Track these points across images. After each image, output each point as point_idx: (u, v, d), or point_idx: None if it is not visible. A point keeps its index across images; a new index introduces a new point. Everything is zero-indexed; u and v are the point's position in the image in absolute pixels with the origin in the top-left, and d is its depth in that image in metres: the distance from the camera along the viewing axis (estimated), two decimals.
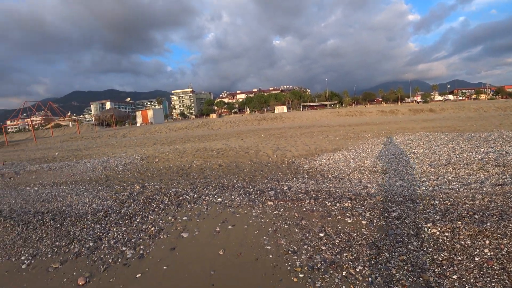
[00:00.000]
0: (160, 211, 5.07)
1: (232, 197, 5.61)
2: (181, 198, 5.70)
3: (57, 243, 4.21)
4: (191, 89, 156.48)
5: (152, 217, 4.84)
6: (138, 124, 55.53)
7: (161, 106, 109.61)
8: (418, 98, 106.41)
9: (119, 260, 3.67)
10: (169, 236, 4.19)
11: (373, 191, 5.33)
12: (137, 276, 3.34)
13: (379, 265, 3.04)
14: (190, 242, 4.01)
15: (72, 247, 4.06)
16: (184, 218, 4.75)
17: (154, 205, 5.36)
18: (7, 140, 44.69)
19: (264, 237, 3.92)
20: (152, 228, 4.42)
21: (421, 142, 9.66)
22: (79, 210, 5.35)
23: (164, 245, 3.96)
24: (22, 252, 4.06)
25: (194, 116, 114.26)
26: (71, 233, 4.46)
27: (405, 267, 2.95)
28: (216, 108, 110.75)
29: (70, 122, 75.85)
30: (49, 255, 3.93)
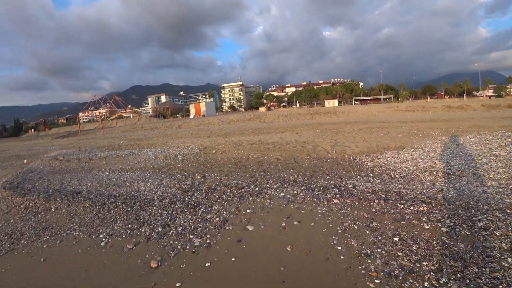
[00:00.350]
0: (223, 202, 5.16)
1: (295, 192, 5.48)
2: (242, 190, 5.73)
3: (129, 225, 4.54)
4: (240, 83, 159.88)
5: (215, 208, 4.94)
6: (191, 116, 58.74)
7: (212, 99, 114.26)
8: (490, 92, 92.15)
9: (188, 247, 3.80)
10: (234, 228, 4.21)
11: (450, 195, 4.74)
12: (206, 264, 3.41)
13: (467, 280, 2.66)
14: (256, 235, 3.98)
15: (143, 230, 4.34)
16: (248, 211, 4.75)
17: (217, 196, 5.48)
18: (80, 129, 51.09)
19: (333, 237, 3.72)
20: (217, 219, 4.50)
21: (503, 143, 8.31)
22: (147, 196, 5.73)
23: (230, 237, 3.99)
24: (100, 231, 4.48)
25: (243, 109, 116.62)
26: (141, 217, 4.77)
27: (500, 286, 2.51)
28: (265, 101, 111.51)
29: (131, 114, 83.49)
30: (123, 236, 4.25)
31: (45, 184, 7.25)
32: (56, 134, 59.27)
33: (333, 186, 5.66)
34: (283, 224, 4.20)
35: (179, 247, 3.83)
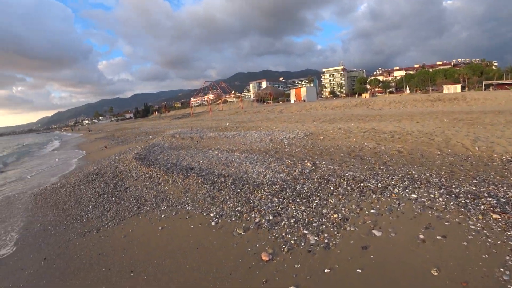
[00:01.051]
0: (340, 196, 4.50)
1: (431, 195, 4.32)
2: (361, 184, 4.93)
3: (239, 208, 4.44)
4: (342, 67, 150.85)
5: (331, 202, 4.34)
6: (292, 101, 59.07)
7: (312, 85, 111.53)
8: None
9: (302, 244, 3.37)
10: (357, 230, 3.53)
11: None
12: (325, 270, 2.89)
13: None
14: (386, 244, 3.21)
15: (252, 216, 4.15)
16: (372, 211, 3.96)
17: (332, 188, 4.86)
18: (192, 112, 58.58)
19: (501, 269, 2.61)
20: (335, 215, 3.90)
21: None
22: (255, 179, 5.62)
23: (353, 240, 3.34)
24: (211, 209, 4.54)
25: (344, 95, 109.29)
26: (251, 201, 4.62)
27: None
28: (368, 86, 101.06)
29: (235, 99, 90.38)
30: (233, 218, 4.16)
31: (164, 158, 8.20)
32: (173, 115, 70.07)
33: (486, 195, 4.21)
34: (421, 236, 3.27)
35: (292, 241, 3.44)
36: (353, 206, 4.14)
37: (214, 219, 4.25)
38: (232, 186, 5.29)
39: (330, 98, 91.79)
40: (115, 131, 33.91)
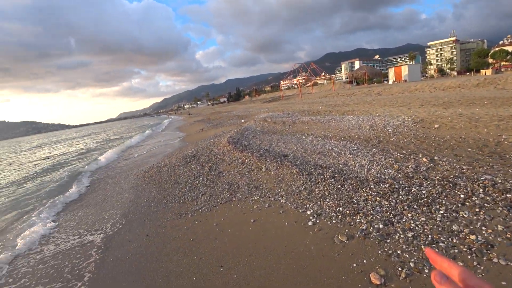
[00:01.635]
0: (477, 209, 3.39)
1: None
2: (508, 196, 3.63)
3: (340, 208, 3.83)
4: (453, 38, 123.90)
5: (465, 216, 3.29)
6: (390, 82, 52.80)
7: (414, 62, 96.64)
8: None
9: (426, 270, 2.57)
10: (510, 265, 2.51)
11: None
12: None
13: None
14: None
15: (357, 220, 3.49)
16: None
17: (462, 196, 3.73)
18: (282, 95, 58.74)
19: None
20: (472, 237, 2.90)
21: None
22: (358, 174, 4.85)
23: (505, 281, 2.36)
24: (307, 206, 4.05)
25: (455, 73, 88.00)
26: (354, 201, 3.94)
27: None
28: (491, 60, 78.41)
29: (325, 81, 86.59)
30: (333, 221, 3.59)
31: (257, 143, 8.07)
32: (264, 99, 71.73)
33: None
34: None
35: (412, 264, 2.68)
36: (500, 228, 3.02)
37: (311, 218, 3.75)
38: (332, 180, 4.67)
39: (437, 77, 77.48)
40: (210, 115, 36.70)
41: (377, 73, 48.89)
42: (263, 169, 5.62)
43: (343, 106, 17.25)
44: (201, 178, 6.19)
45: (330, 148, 6.68)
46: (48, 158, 18.82)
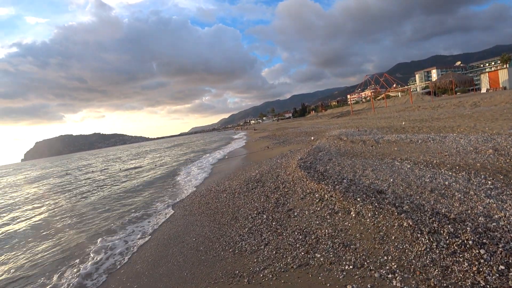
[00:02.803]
0: None
1: None
2: None
3: None
4: None
5: None
6: (483, 90, 44.79)
7: (507, 66, 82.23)
8: None
9: None
10: None
11: None
12: None
13: None
14: None
15: None
16: None
17: None
18: (352, 109, 55.08)
19: None
20: None
21: None
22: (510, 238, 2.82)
23: None
24: None
25: None
26: None
27: None
28: None
29: (399, 93, 79.15)
30: None
31: (336, 169, 6.35)
32: (331, 114, 68.36)
33: None
34: None
35: None
36: None
37: None
38: (481, 250, 2.75)
39: None
40: (276, 130, 35.67)
41: (468, 81, 41.89)
42: (353, 213, 3.91)
43: (434, 121, 14.23)
44: (265, 216, 4.75)
45: (446, 183, 4.62)
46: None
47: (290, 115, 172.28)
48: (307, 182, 5.52)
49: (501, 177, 4.83)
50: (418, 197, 4.17)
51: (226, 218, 5.20)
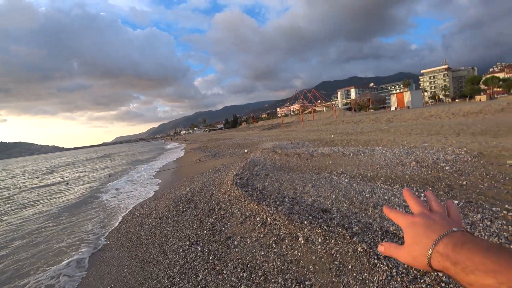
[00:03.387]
0: None
1: None
2: None
3: None
4: (445, 66, 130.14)
5: None
6: (392, 108, 51.96)
7: (408, 89, 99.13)
8: None
9: None
10: None
11: None
12: None
13: None
14: None
15: None
16: None
17: None
18: (282, 122, 57.49)
19: None
20: None
21: None
22: None
23: None
24: None
25: (450, 99, 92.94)
26: None
27: None
28: (484, 87, 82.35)
29: (324, 108, 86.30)
30: None
31: (275, 185, 5.94)
32: (262, 126, 70.37)
33: None
34: None
35: None
36: None
37: None
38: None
39: (432, 103, 79.38)
40: (208, 142, 34.70)
41: (381, 100, 48.02)
42: (301, 239, 3.46)
43: (359, 135, 15.38)
44: (199, 248, 3.96)
45: (386, 197, 4.59)
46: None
47: (222, 126, 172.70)
48: (246, 202, 4.95)
49: (430, 188, 5.05)
50: (363, 215, 3.97)
51: (151, 253, 4.23)
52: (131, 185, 11.59)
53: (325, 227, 3.56)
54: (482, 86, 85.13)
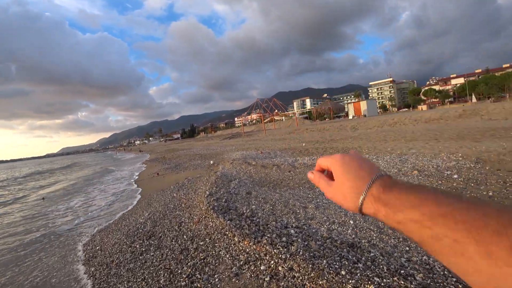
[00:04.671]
0: None
1: None
2: None
3: None
4: (390, 79, 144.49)
5: None
6: (350, 116, 53.95)
7: (358, 99, 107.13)
8: None
9: None
10: None
11: None
12: None
13: None
14: None
15: None
16: None
17: None
18: (243, 131, 56.43)
19: None
20: None
21: None
22: None
23: None
24: None
25: (396, 109, 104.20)
26: None
27: None
28: (424, 97, 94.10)
29: (283, 117, 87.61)
30: None
31: (266, 208, 4.58)
32: (222, 135, 68.53)
33: None
34: None
35: None
36: None
37: None
38: None
39: (380, 113, 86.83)
40: (165, 152, 32.15)
41: (340, 108, 49.62)
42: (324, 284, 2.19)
43: (332, 143, 14.71)
44: None
45: None
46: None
47: (179, 136, 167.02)
48: (236, 238, 3.50)
49: None
50: (407, 248, 2.83)
51: None
52: (70, 213, 9.37)
53: (376, 279, 2.31)
54: (423, 97, 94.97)
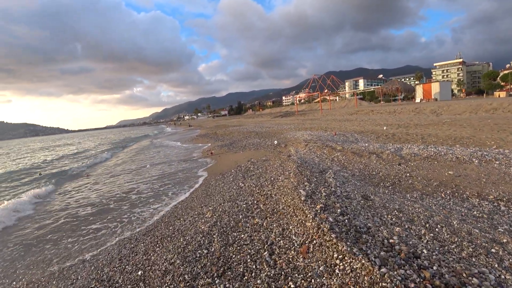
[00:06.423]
0: None
1: None
2: None
3: None
4: (460, 60, 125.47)
5: None
6: (417, 100, 48.09)
7: (418, 82, 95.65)
8: None
9: None
10: None
11: None
12: None
13: None
14: None
15: None
16: None
17: None
18: (297, 110, 53.93)
19: None
20: None
21: None
22: None
23: None
24: None
25: (463, 95, 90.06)
26: None
27: None
28: (502, 83, 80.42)
29: (337, 97, 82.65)
30: None
31: (420, 234, 2.67)
32: (271, 114, 66.57)
33: None
34: None
35: None
36: None
37: None
38: None
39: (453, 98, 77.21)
40: (215, 128, 31.33)
41: (410, 89, 44.12)
42: None
43: (421, 128, 11.96)
44: None
45: None
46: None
47: (226, 112, 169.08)
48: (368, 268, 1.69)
49: None
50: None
51: None
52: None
53: None
54: (502, 83, 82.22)
